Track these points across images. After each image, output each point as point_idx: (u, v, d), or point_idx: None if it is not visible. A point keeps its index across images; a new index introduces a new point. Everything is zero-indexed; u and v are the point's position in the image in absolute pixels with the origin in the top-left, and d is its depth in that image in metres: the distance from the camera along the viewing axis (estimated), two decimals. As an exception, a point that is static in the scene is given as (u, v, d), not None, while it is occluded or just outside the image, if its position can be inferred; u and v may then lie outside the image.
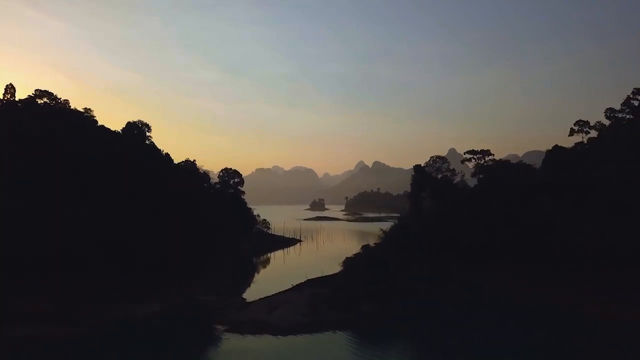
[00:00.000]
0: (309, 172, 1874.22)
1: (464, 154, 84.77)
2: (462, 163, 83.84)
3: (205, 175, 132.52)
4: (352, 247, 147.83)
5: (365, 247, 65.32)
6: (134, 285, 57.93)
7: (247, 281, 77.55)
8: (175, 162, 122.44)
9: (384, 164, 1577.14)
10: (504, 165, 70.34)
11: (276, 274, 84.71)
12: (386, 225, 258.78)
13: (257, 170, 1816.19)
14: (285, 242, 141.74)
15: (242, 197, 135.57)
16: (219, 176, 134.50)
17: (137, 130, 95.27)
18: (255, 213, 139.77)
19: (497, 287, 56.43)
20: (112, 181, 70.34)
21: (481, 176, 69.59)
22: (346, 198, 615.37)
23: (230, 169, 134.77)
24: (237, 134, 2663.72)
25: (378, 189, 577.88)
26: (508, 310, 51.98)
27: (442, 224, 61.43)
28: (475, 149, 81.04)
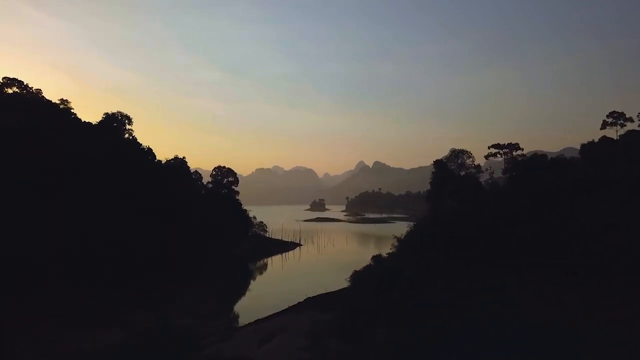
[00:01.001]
0: (309, 172, 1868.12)
1: (489, 147, 74.19)
2: (487, 159, 73.00)
3: (197, 174, 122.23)
4: (356, 251, 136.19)
5: (377, 258, 54.75)
6: (98, 304, 47.34)
7: (237, 295, 67.04)
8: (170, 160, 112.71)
9: (384, 164, 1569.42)
10: (538, 159, 59.78)
11: (272, 286, 74.19)
12: (390, 227, 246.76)
13: (257, 170, 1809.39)
14: (284, 246, 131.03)
15: (237, 197, 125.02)
16: (211, 175, 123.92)
17: (116, 123, 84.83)
18: (251, 215, 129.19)
19: (541, 303, 46.00)
20: (79, 177, 59.82)
21: (514, 173, 58.91)
22: (347, 198, 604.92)
23: (224, 167, 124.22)
24: (237, 134, 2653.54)
25: (379, 189, 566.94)
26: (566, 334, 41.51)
27: (467, 228, 50.77)
28: (501, 143, 70.56)
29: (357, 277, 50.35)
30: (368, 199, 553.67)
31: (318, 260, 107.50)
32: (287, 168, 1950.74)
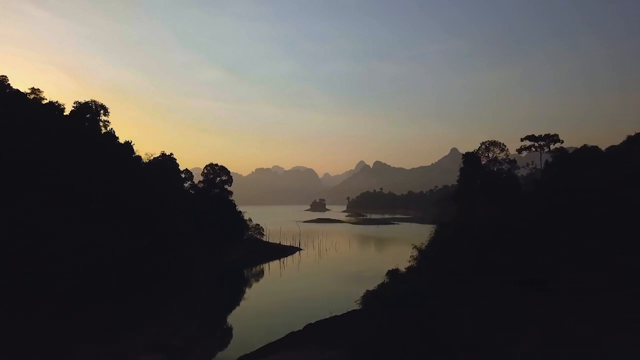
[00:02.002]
0: (310, 172, 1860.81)
1: (522, 139, 63.65)
2: (519, 153, 62.29)
3: (187, 172, 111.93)
4: (361, 257, 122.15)
5: (394, 275, 44.47)
6: (34, 339, 36.78)
7: (223, 316, 56.71)
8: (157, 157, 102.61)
9: (385, 163, 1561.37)
10: (589, 152, 49.40)
11: (266, 302, 63.88)
12: (393, 229, 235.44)
13: (256, 170, 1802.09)
14: (282, 251, 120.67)
15: (231, 198, 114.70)
16: (202, 173, 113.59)
17: (89, 114, 74.47)
18: (246, 217, 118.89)
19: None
20: (31, 172, 49.47)
21: (557, 169, 48.53)
22: (348, 198, 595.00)
23: (216, 165, 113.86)
24: (237, 133, 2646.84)
25: (381, 189, 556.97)
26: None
27: (508, 239, 40.49)
28: (536, 134, 60.15)
29: (370, 299, 40.02)
30: (369, 199, 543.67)
31: (319, 268, 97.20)
32: (287, 168, 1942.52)
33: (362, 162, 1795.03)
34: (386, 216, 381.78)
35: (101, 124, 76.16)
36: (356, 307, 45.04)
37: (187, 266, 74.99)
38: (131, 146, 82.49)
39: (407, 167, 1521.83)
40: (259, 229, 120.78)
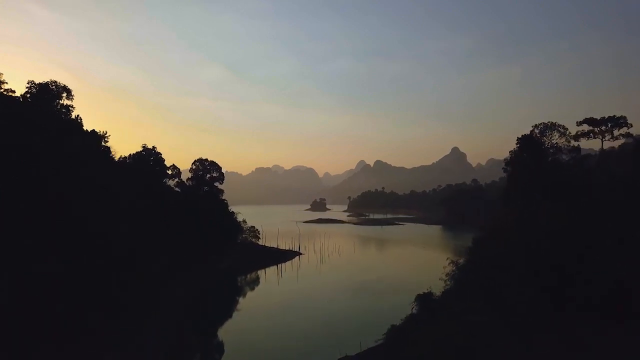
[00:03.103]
0: (310, 172, 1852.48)
1: (578, 124, 51.29)
2: (576, 140, 50.03)
3: (174, 169, 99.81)
4: (368, 263, 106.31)
5: (424, 300, 32.70)
6: None
7: (203, 347, 44.77)
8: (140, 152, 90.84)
9: (386, 163, 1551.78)
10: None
11: (257, 326, 51.79)
12: (398, 230, 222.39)
13: (256, 169, 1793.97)
14: (280, 255, 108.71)
15: (222, 197, 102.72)
16: (190, 169, 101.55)
17: (48, 96, 62.45)
18: (240, 218, 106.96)
19: None
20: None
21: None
22: (349, 198, 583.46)
23: (206, 160, 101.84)
24: (237, 133, 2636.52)
25: (383, 188, 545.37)
26: None
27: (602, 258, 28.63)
28: (596, 117, 48.02)
29: (396, 341, 28.17)
30: (371, 199, 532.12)
31: (322, 279, 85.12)
32: (287, 167, 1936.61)
33: (362, 161, 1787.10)
34: (388, 216, 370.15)
35: (68, 112, 64.33)
36: (374, 343, 33.30)
37: (168, 277, 63.01)
38: (99, 136, 70.55)
39: (408, 166, 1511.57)
40: (254, 231, 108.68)
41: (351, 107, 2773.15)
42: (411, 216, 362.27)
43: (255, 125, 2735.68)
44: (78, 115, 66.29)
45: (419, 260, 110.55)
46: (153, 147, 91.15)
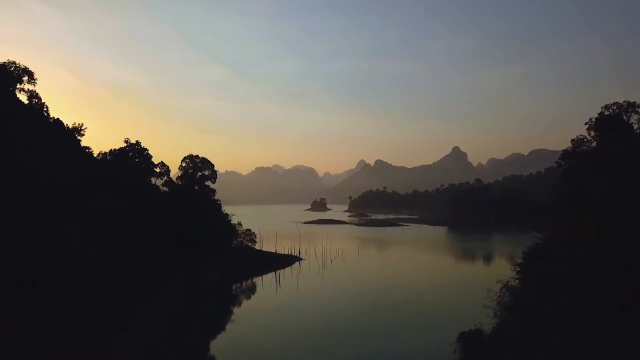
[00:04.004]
0: (310, 171, 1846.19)
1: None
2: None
3: (163, 167, 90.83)
4: (377, 271, 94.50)
5: (469, 340, 23.69)
6: None
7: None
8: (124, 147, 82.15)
9: (386, 162, 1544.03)
10: None
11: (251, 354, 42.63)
12: (404, 232, 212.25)
13: (256, 169, 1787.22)
14: (278, 261, 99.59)
15: (214, 197, 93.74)
16: (180, 167, 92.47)
17: (4, 78, 53.41)
18: (235, 220, 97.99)
19: None
20: None
21: None
22: (350, 198, 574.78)
23: (197, 156, 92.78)
24: (236, 132, 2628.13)
25: (384, 187, 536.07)
26: None
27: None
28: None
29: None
30: (372, 199, 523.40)
31: (325, 290, 75.87)
32: (287, 167, 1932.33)
33: (362, 161, 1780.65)
34: (391, 216, 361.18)
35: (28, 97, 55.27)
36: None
37: (150, 289, 54.03)
38: (73, 129, 61.66)
39: (409, 166, 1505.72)
40: (250, 234, 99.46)
41: (351, 107, 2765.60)
42: (414, 217, 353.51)
43: (256, 125, 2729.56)
44: (43, 103, 57.30)
45: (431, 266, 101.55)
46: (137, 141, 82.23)
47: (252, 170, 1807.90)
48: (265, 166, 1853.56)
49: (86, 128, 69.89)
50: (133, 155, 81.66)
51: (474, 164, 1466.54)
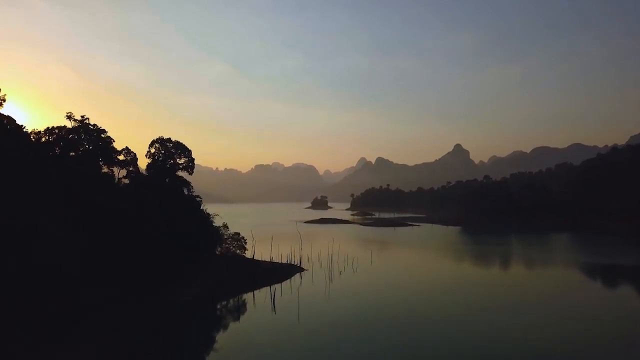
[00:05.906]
0: (310, 169, 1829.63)
1: None
2: None
3: (128, 153, 71.07)
4: (401, 288, 69.61)
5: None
6: None
7: None
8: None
9: (387, 160, 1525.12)
10: None
11: None
12: (414, 232, 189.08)
13: (256, 166, 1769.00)
14: (275, 273, 79.61)
15: (193, 192, 73.76)
16: (147, 154, 72.40)
17: None
18: (220, 222, 77.96)
19: None
20: None
21: None
22: (352, 195, 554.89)
23: (169, 140, 72.76)
24: (236, 130, 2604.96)
25: (388, 185, 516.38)
26: None
27: None
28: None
29: None
30: (375, 197, 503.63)
31: (337, 314, 55.49)
32: (287, 165, 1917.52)
33: (363, 158, 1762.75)
34: (396, 215, 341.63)
35: None
36: None
37: (98, 322, 34.17)
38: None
39: (410, 163, 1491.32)
40: (238, 239, 79.10)
41: (352, 105, 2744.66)
42: (420, 215, 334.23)
43: (256, 123, 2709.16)
44: None
45: (476, 280, 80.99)
46: (84, 116, 62.08)
47: (252, 168, 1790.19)
48: (265, 164, 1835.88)
49: (5, 95, 51.17)
50: (80, 137, 61.68)
51: (476, 162, 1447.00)
